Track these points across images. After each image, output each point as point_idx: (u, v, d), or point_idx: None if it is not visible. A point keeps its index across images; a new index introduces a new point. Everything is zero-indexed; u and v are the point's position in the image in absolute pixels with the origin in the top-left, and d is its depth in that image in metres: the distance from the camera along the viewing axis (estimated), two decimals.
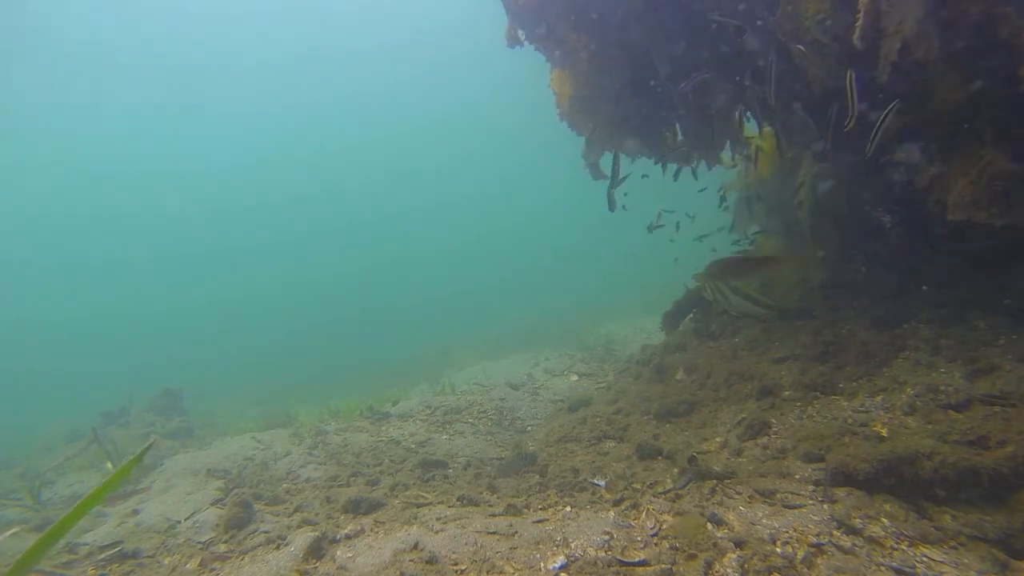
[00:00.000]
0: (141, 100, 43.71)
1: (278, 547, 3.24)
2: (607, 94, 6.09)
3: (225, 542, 3.66)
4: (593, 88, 6.13)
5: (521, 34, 6.22)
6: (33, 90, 37.18)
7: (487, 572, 2.53)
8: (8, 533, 4.31)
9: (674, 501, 3.08)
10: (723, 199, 6.74)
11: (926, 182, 3.83)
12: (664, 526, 2.73)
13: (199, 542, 3.77)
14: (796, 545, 2.44)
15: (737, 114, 5.77)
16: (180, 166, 51.10)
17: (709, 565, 2.34)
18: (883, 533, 2.47)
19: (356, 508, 3.89)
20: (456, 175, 57.29)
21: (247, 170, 54.40)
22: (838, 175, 5.40)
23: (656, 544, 2.58)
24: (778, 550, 2.42)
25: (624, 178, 5.27)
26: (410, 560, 2.71)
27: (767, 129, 6.33)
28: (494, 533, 2.92)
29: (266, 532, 3.57)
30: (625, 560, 2.45)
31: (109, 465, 6.39)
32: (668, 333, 7.11)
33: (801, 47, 3.97)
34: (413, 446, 6.17)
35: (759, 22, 4.45)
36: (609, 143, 6.57)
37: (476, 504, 3.74)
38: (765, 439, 3.73)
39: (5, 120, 37.46)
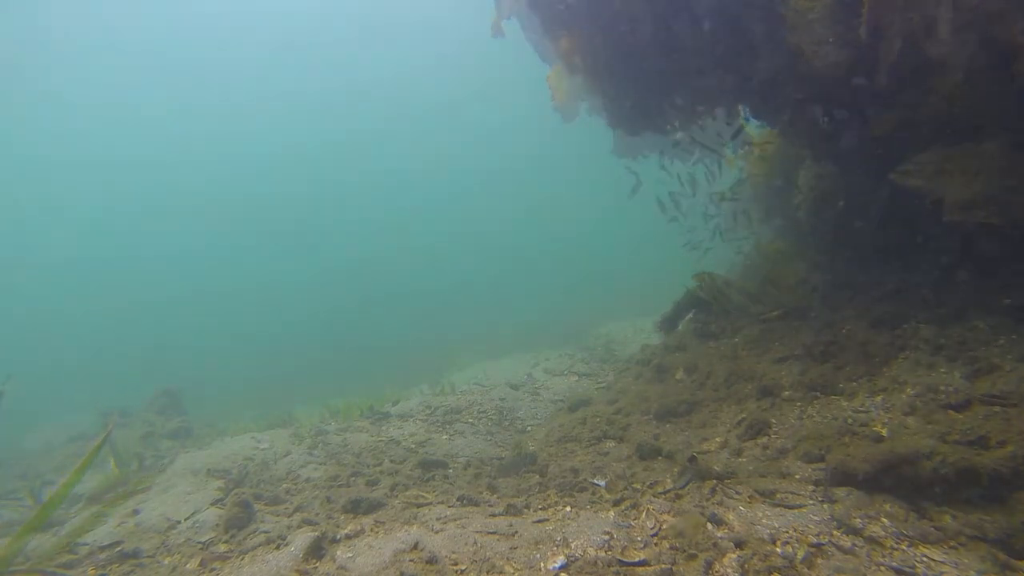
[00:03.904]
0: (141, 91, 43.83)
1: (278, 547, 3.24)
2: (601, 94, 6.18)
3: (225, 542, 3.66)
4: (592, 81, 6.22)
5: (504, 25, 6.34)
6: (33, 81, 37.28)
7: (487, 572, 2.53)
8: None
9: (674, 501, 3.08)
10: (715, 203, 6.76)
11: (922, 182, 3.83)
12: (664, 526, 2.73)
13: (199, 542, 3.77)
14: (796, 545, 2.44)
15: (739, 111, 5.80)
16: (178, 165, 51.21)
17: (709, 565, 2.34)
18: (883, 533, 2.47)
19: (356, 508, 3.89)
20: (455, 175, 57.38)
21: (247, 168, 54.44)
22: (838, 176, 5.41)
23: (656, 544, 2.58)
24: (778, 550, 2.42)
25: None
26: (410, 560, 2.71)
27: (767, 130, 6.34)
28: (494, 533, 2.92)
29: (266, 532, 3.57)
30: (625, 560, 2.45)
31: (113, 468, 6.39)
32: (664, 336, 7.11)
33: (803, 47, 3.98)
34: (413, 446, 6.17)
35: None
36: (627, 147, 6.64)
37: (476, 504, 3.74)
38: (765, 439, 3.73)
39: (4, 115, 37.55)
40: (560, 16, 6.18)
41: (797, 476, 3.12)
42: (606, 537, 2.67)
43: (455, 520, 3.25)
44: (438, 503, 3.87)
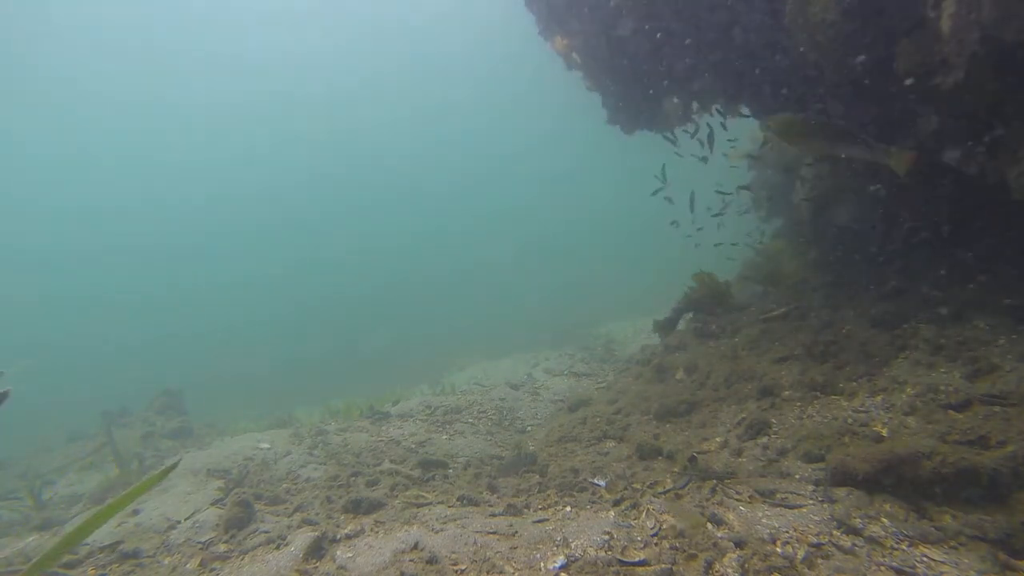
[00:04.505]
0: (141, 89, 43.97)
1: (278, 547, 3.24)
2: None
3: (225, 542, 3.66)
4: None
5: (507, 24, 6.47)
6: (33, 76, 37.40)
7: (487, 572, 2.53)
8: (29, 540, 4.33)
9: (674, 501, 3.07)
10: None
11: (975, 169, 3.80)
12: (664, 526, 2.73)
13: (199, 542, 3.77)
14: (796, 545, 2.44)
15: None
16: (175, 158, 51.27)
17: (709, 565, 2.34)
18: (883, 533, 2.47)
19: (356, 508, 3.89)
20: (455, 171, 57.43)
21: (246, 164, 54.50)
22: (838, 175, 5.41)
23: (656, 544, 2.58)
24: (778, 550, 2.42)
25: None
26: (410, 560, 2.71)
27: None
28: (494, 533, 2.92)
29: (266, 532, 3.57)
30: (625, 560, 2.45)
31: (114, 468, 6.39)
32: (661, 339, 7.11)
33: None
34: (413, 446, 6.17)
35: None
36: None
37: (476, 504, 3.74)
38: (765, 439, 3.73)
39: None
40: (557, 14, 6.20)
41: (797, 476, 3.12)
42: (606, 537, 2.67)
43: (455, 520, 3.25)
44: (438, 503, 3.87)
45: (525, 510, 3.39)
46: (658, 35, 5.33)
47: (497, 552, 2.68)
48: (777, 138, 3.86)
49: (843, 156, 3.87)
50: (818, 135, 3.57)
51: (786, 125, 3.65)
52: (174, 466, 1.92)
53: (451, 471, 5.06)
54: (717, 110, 5.89)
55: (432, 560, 2.67)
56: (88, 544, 3.92)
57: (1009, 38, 2.96)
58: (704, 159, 5.97)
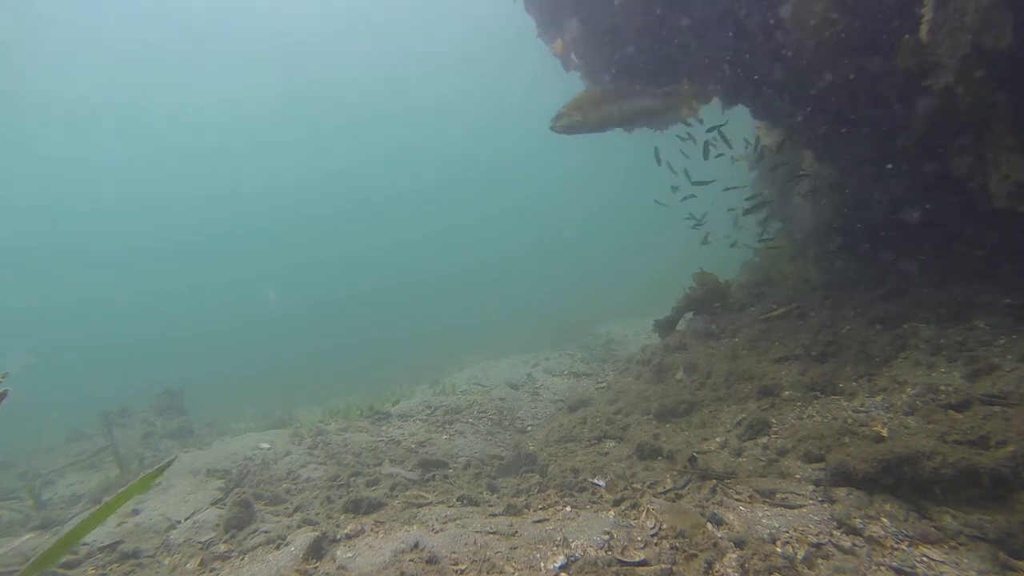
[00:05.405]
0: (138, 86, 44.16)
1: (278, 547, 3.24)
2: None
3: (225, 542, 3.66)
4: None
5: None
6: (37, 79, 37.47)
7: (487, 572, 2.53)
8: (24, 538, 4.32)
9: (674, 501, 3.07)
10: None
11: (963, 172, 3.80)
12: (664, 526, 2.73)
13: (199, 542, 3.77)
14: (796, 545, 2.44)
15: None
16: (173, 157, 51.35)
17: (709, 565, 2.34)
18: (883, 533, 2.47)
19: (356, 508, 3.89)
20: (453, 170, 57.45)
21: (244, 162, 54.57)
22: (836, 174, 5.41)
23: (656, 544, 2.58)
24: (778, 550, 2.42)
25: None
26: (410, 560, 2.71)
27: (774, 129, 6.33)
28: (494, 533, 2.92)
29: (266, 532, 3.57)
30: (625, 560, 2.45)
31: (114, 468, 6.39)
32: (661, 339, 7.11)
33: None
34: (413, 446, 6.17)
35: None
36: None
37: (476, 504, 3.74)
38: (765, 439, 3.73)
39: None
40: (556, 17, 6.20)
41: (797, 476, 3.12)
42: (606, 537, 2.67)
43: (455, 520, 3.25)
44: (438, 503, 3.87)
45: (525, 510, 3.39)
46: (657, 38, 5.32)
47: (497, 552, 2.67)
48: (573, 118, 3.97)
49: (640, 113, 4.10)
50: (610, 98, 3.71)
51: (577, 100, 3.79)
52: (168, 464, 1.92)
53: (451, 471, 5.06)
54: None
55: (432, 560, 2.67)
56: (88, 544, 3.92)
57: (988, 45, 2.97)
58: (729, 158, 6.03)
